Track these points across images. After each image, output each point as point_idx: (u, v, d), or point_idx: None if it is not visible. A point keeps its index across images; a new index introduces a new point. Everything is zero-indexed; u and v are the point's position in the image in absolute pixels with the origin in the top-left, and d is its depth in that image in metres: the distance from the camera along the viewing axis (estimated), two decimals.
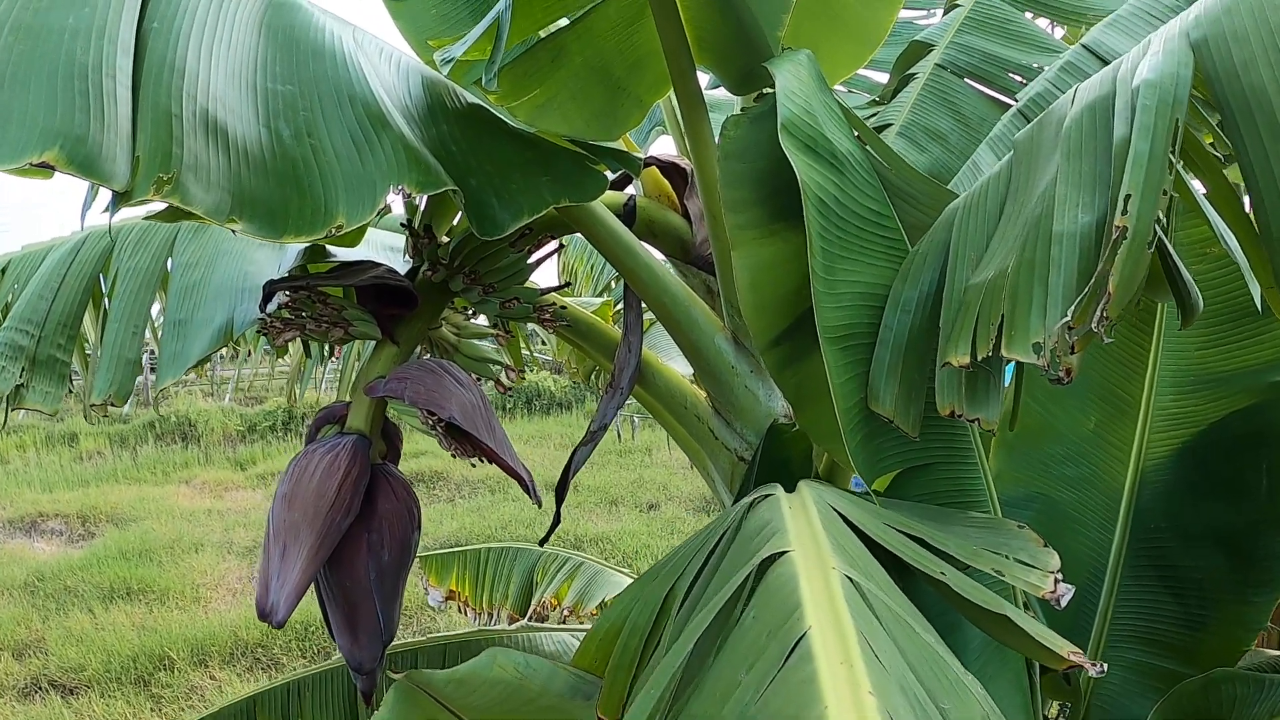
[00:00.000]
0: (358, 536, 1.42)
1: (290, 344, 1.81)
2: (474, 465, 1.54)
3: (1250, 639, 1.76)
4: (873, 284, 1.28)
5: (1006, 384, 1.23)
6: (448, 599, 3.40)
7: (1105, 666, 0.92)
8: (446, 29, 1.96)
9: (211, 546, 9.04)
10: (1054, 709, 2.49)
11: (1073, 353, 0.90)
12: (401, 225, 1.77)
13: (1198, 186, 1.19)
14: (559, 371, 15.61)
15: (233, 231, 1.17)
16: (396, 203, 1.22)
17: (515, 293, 1.69)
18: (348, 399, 1.57)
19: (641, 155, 1.89)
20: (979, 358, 1.02)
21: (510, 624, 3.18)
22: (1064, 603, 1.02)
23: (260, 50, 1.19)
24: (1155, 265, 1.00)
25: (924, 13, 3.03)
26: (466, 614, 3.39)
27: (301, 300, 1.58)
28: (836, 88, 2.63)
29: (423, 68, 1.49)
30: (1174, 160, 0.90)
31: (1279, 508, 1.70)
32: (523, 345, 2.69)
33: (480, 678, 1.29)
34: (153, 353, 1.98)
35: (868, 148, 1.42)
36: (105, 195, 1.00)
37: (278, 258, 1.87)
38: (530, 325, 1.86)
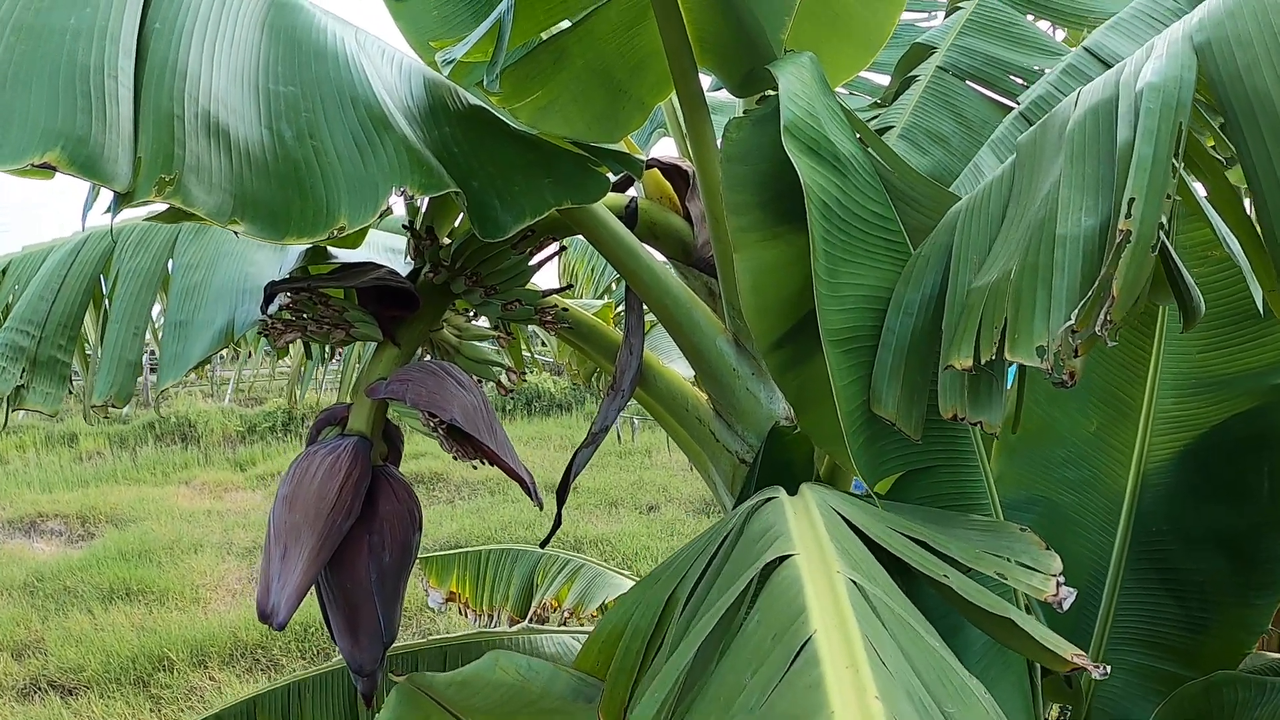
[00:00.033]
0: (359, 538, 1.42)
1: (290, 345, 1.81)
2: (475, 467, 1.54)
3: (1252, 642, 1.76)
4: (875, 287, 1.28)
5: (1008, 386, 1.23)
6: (448, 600, 3.40)
7: (1108, 668, 0.92)
8: (448, 30, 1.96)
9: (211, 547, 9.04)
10: (1054, 712, 2.49)
11: (1076, 356, 0.90)
12: (403, 227, 1.77)
13: (1199, 189, 1.19)
14: (559, 373, 15.61)
15: (234, 233, 1.17)
16: (398, 204, 1.22)
17: (517, 295, 1.69)
18: (348, 400, 1.57)
19: (643, 157, 1.89)
20: (982, 361, 1.02)
21: (511, 626, 3.18)
22: (1066, 606, 1.02)
23: (262, 51, 1.19)
24: (1157, 268, 0.99)
25: (925, 15, 3.03)
26: (467, 616, 3.39)
27: (303, 302, 1.58)
28: (838, 90, 2.63)
29: (425, 69, 1.49)
30: (1177, 164, 0.90)
31: None
32: (523, 347, 2.69)
33: (482, 680, 1.29)
34: (153, 354, 1.97)
35: (870, 150, 1.41)
36: (106, 196, 1.00)
37: (279, 259, 1.87)
38: (530, 326, 1.86)
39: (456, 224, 1.76)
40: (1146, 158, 0.88)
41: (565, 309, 1.85)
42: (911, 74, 2.55)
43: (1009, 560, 1.09)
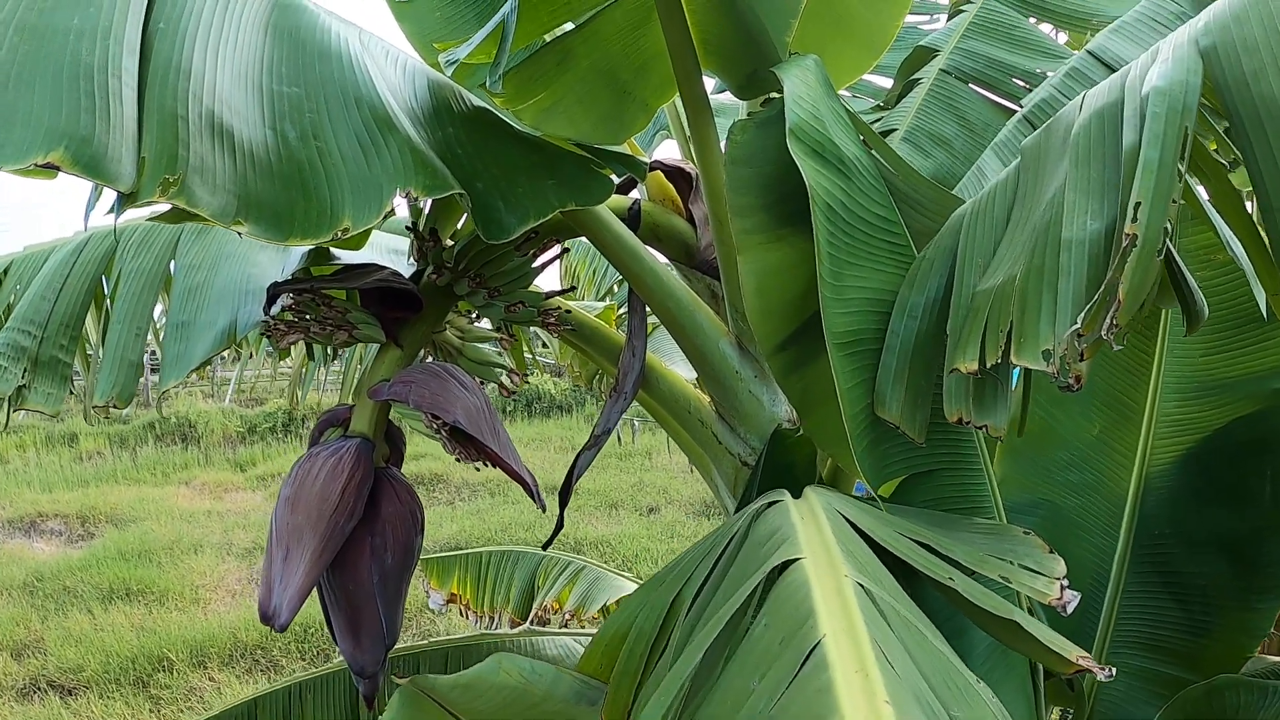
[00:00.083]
0: (361, 540, 1.41)
1: (292, 346, 1.80)
2: (478, 469, 1.54)
3: (1254, 645, 1.76)
4: (880, 290, 1.28)
5: (1012, 389, 1.23)
6: (449, 602, 3.40)
7: (1113, 670, 0.92)
8: (452, 31, 1.96)
9: (211, 548, 9.03)
10: (1056, 714, 2.48)
11: (1082, 360, 0.90)
12: (406, 228, 1.77)
13: (1203, 192, 1.19)
14: (559, 374, 15.60)
15: (238, 234, 1.17)
16: (401, 205, 1.21)
17: (520, 296, 1.68)
18: (350, 402, 1.56)
19: (646, 159, 1.89)
20: (987, 364, 1.02)
21: (512, 628, 3.18)
22: (1070, 609, 1.02)
23: (266, 52, 1.19)
24: (1162, 272, 0.99)
25: (929, 18, 3.03)
26: (468, 617, 3.39)
27: (305, 303, 1.58)
28: (841, 92, 2.63)
29: (428, 70, 1.49)
30: (1182, 168, 0.89)
31: None
32: (525, 348, 2.68)
33: (485, 683, 1.29)
34: (154, 354, 1.97)
35: (874, 153, 1.41)
36: (109, 196, 1.00)
37: (281, 260, 1.87)
38: (531, 328, 1.86)
39: (460, 225, 1.76)
40: (1152, 162, 0.88)
41: (568, 311, 1.84)
42: (915, 77, 2.55)
43: (1013, 563, 1.09)
